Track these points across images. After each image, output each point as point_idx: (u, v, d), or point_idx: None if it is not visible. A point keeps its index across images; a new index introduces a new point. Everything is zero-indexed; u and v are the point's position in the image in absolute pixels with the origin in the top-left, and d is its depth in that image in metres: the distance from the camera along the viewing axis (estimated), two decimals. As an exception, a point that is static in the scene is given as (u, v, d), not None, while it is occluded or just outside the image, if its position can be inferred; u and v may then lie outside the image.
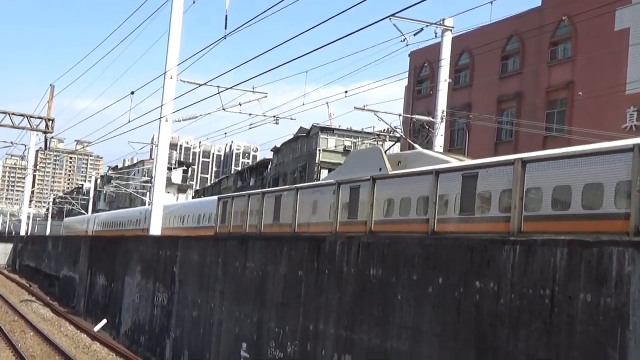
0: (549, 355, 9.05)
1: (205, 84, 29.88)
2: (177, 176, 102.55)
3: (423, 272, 11.67)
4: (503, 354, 9.75)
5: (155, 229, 30.31)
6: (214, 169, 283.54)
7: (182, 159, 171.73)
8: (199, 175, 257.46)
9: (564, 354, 8.85)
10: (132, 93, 33.15)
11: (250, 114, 34.97)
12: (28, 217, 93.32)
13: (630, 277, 8.21)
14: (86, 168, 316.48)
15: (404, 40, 27.40)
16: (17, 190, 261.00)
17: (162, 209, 31.17)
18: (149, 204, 51.70)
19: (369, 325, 12.87)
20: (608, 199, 12.84)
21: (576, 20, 39.57)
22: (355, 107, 32.94)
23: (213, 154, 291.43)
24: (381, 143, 70.12)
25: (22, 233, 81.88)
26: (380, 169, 22.39)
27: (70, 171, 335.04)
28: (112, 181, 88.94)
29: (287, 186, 38.36)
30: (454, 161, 20.92)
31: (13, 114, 38.47)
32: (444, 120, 29.25)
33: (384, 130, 65.54)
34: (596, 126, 33.74)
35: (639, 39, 36.92)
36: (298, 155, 76.95)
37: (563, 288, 9.04)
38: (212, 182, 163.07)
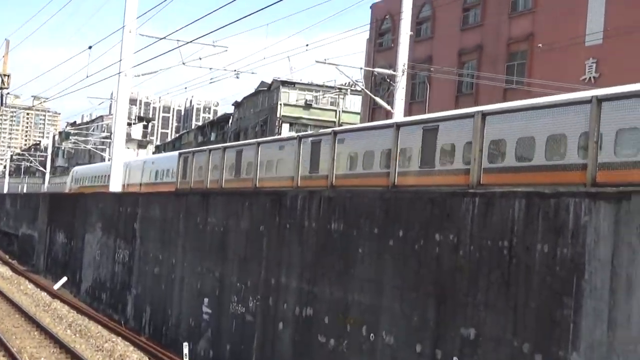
0: (508, 304, 9.17)
1: (164, 37, 29.40)
2: (137, 131, 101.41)
3: (384, 226, 11.71)
4: (462, 304, 9.86)
5: (116, 186, 30.02)
6: (175, 124, 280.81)
7: (142, 114, 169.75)
8: (160, 130, 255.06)
9: (522, 304, 8.98)
10: (90, 48, 32.58)
11: (210, 68, 34.65)
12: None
13: (586, 228, 8.32)
14: (44, 124, 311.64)
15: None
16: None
17: (122, 166, 30.84)
18: (108, 160, 51.11)
19: (330, 278, 12.93)
20: (571, 150, 12.99)
21: (536, -28, 39.56)
22: (316, 61, 32.72)
23: (173, 109, 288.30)
24: (342, 97, 69.98)
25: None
26: None
27: (27, 128, 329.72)
28: (70, 137, 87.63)
29: (248, 140, 38.14)
30: None
31: (-34, 69, 37.57)
32: (405, 73, 29.14)
33: (346, 84, 65.39)
34: (556, 78, 33.91)
35: (598, -9, 36.97)
36: (259, 109, 76.47)
37: (521, 239, 9.13)
38: (173, 137, 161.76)
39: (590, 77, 36.52)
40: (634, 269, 7.70)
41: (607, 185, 8.88)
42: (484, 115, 11.05)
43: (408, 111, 37.89)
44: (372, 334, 11.58)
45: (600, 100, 9.20)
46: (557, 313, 8.45)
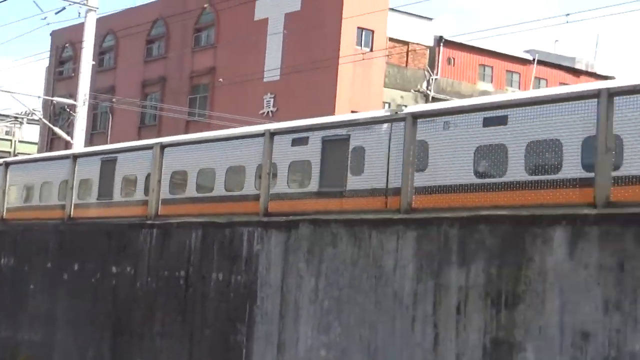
0: (184, 333, 9.25)
1: None
2: None
3: (58, 259, 11.28)
4: (139, 335, 9.78)
5: None
6: None
7: None
8: None
9: (198, 331, 9.11)
10: None
11: None
12: None
13: (259, 256, 8.68)
14: None
15: (44, 18, 26.18)
16: None
17: None
18: None
19: None
20: (249, 181, 13.58)
21: (219, 8, 40.79)
22: (-11, 87, 30.77)
23: None
24: (18, 126, 66.44)
25: None
26: None
27: None
28: None
29: None
30: None
31: None
32: (87, 103, 28.41)
33: (22, 112, 62.16)
34: (236, 111, 35.17)
35: (276, 29, 39.07)
36: None
37: (197, 268, 9.29)
38: None
39: (268, 111, 38.38)
40: (301, 294, 8.17)
41: (278, 214, 9.35)
42: (163, 147, 11.11)
43: (89, 142, 37.00)
44: (45, 374, 11.05)
45: (272, 133, 9.68)
46: (231, 339, 8.69)
